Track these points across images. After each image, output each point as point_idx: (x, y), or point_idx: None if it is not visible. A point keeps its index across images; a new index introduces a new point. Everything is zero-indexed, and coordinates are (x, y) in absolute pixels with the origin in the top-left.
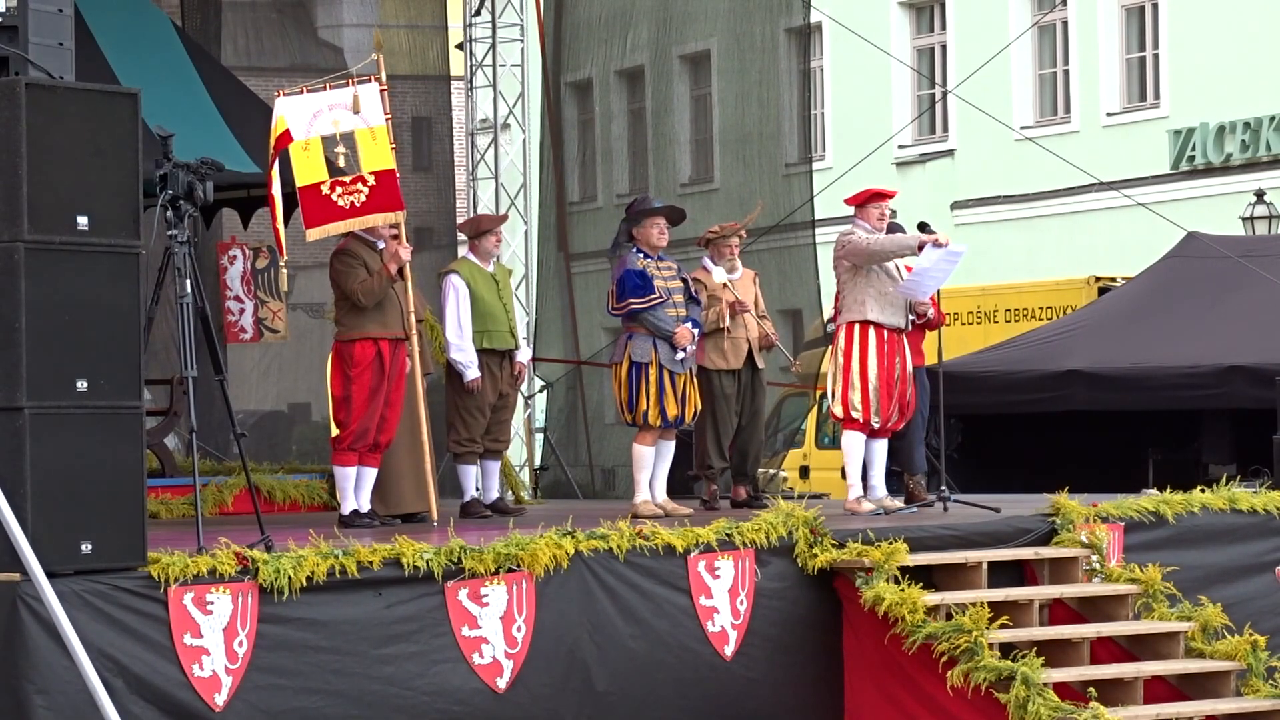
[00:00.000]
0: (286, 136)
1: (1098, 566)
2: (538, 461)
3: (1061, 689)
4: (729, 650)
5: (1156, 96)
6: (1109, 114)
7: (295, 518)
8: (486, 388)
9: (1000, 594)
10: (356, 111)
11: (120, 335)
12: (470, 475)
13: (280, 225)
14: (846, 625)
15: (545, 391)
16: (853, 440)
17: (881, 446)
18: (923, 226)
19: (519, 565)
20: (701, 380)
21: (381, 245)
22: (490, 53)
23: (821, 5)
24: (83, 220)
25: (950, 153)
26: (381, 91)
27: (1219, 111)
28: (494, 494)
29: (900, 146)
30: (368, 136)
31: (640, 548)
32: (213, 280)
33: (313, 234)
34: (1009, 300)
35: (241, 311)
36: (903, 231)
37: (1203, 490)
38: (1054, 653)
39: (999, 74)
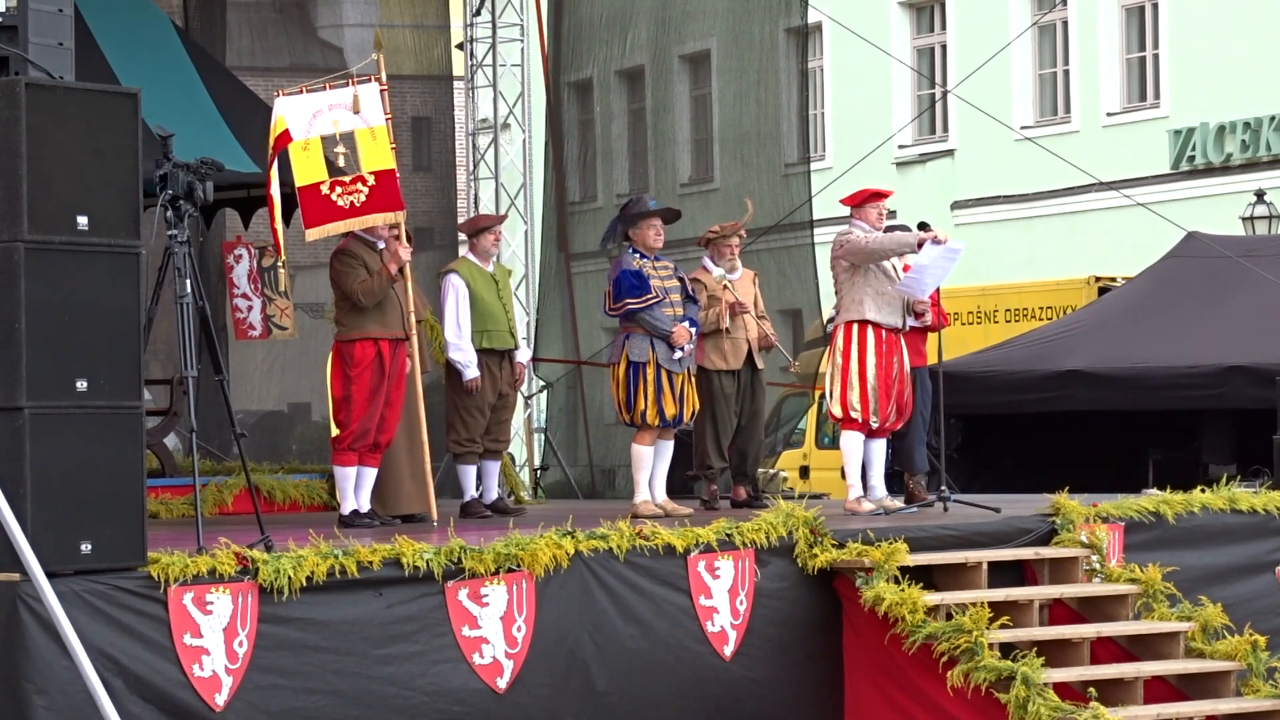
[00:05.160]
0: (286, 136)
1: (1098, 566)
2: (538, 461)
3: (1061, 689)
4: (729, 650)
5: (1156, 96)
6: (1109, 114)
7: (295, 518)
8: (486, 388)
9: (1000, 594)
10: (356, 111)
11: (120, 335)
12: (470, 475)
13: (279, 225)
14: (846, 625)
15: (545, 391)
16: (851, 440)
17: (880, 446)
18: (923, 226)
19: (519, 565)
20: (701, 380)
21: (381, 245)
22: (490, 53)
23: (821, 5)
24: (83, 220)
25: (950, 153)
26: (381, 91)
27: (1219, 111)
28: (494, 494)
29: (900, 146)
30: (367, 136)
31: (640, 548)
32: (218, 279)
33: (312, 234)
34: (1009, 300)
35: (250, 309)
36: (905, 230)
37: (1203, 490)
38: (1054, 653)
39: (999, 74)
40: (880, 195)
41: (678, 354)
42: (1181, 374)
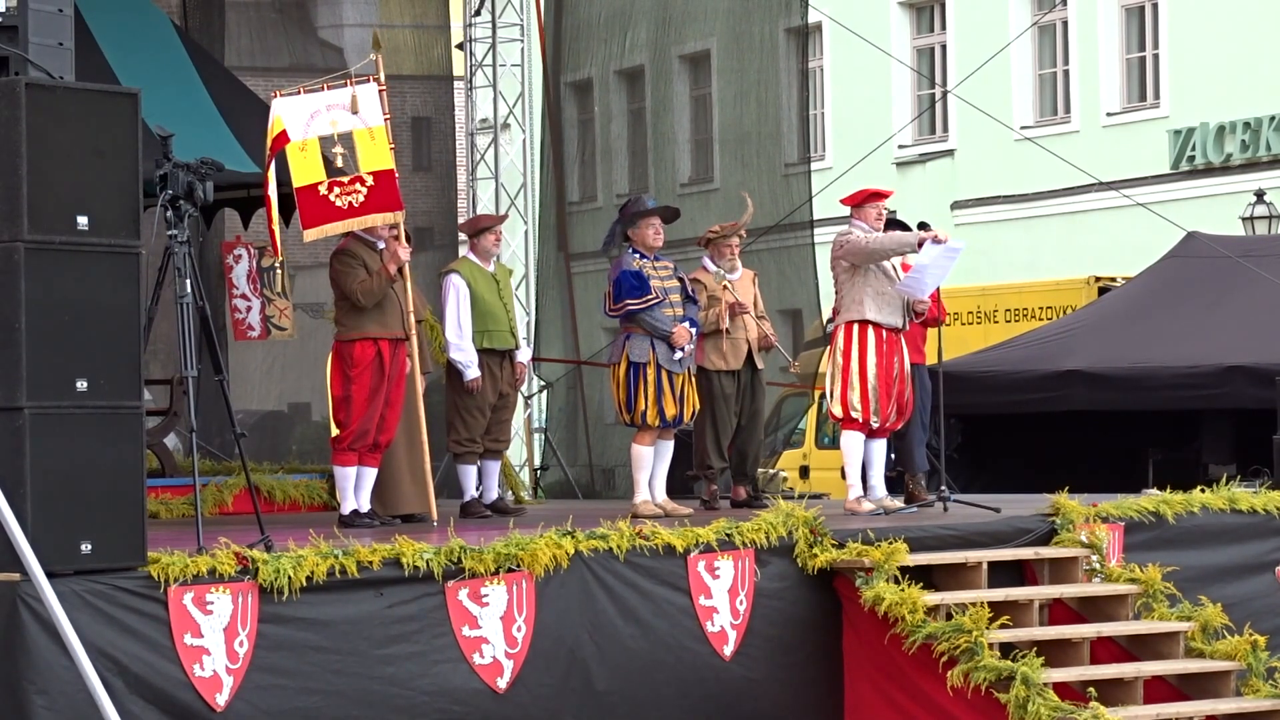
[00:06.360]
0: (283, 137)
1: (1098, 566)
2: (538, 461)
3: (1061, 689)
4: (729, 650)
5: (1156, 96)
6: (1109, 114)
7: (295, 518)
8: (486, 388)
9: (1000, 594)
10: (355, 112)
11: (120, 335)
12: (470, 475)
13: (276, 226)
14: (846, 625)
15: (545, 391)
16: (852, 440)
17: (880, 446)
18: (923, 226)
19: (519, 565)
20: (701, 381)
21: (381, 245)
22: (490, 53)
23: (821, 5)
24: (83, 220)
25: (950, 153)
26: (380, 92)
27: (1219, 111)
28: (494, 494)
29: (900, 146)
30: (366, 137)
31: (640, 548)
32: (218, 279)
33: (310, 235)
34: (1009, 300)
35: (249, 309)
36: (906, 228)
37: (1203, 490)
38: (1054, 653)
39: (999, 74)
40: (880, 195)
41: (678, 354)
42: (1181, 374)
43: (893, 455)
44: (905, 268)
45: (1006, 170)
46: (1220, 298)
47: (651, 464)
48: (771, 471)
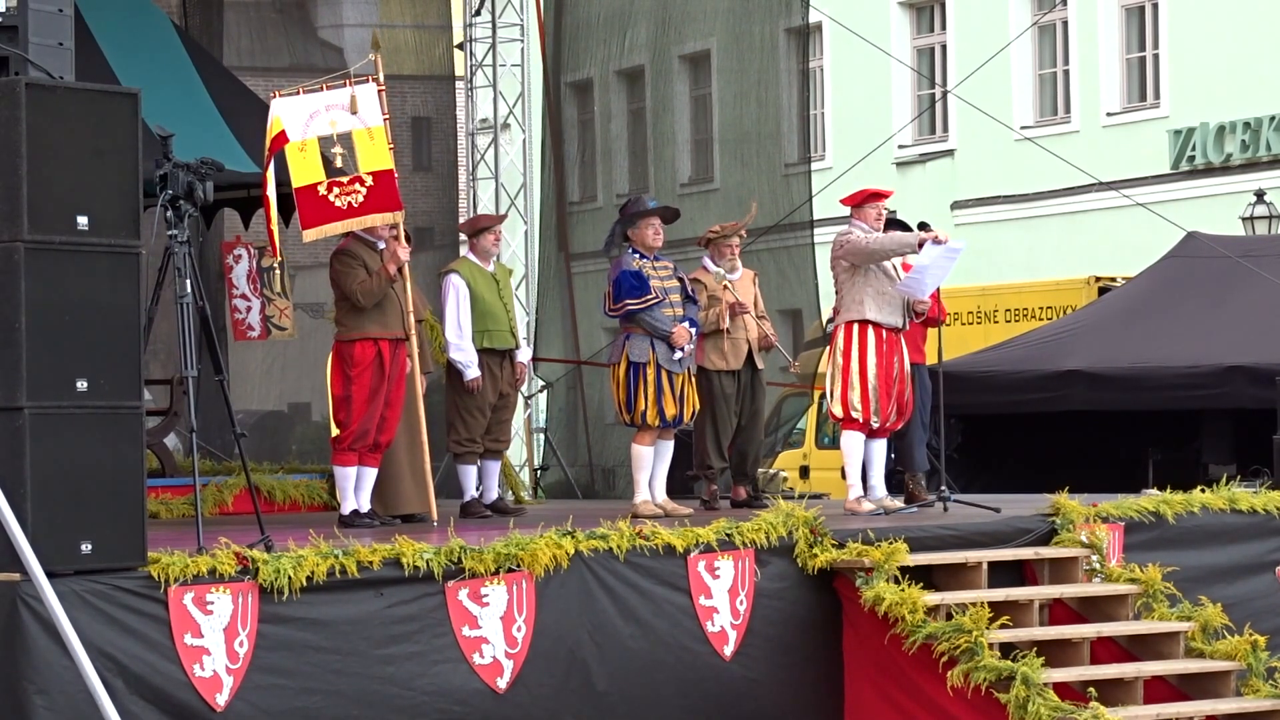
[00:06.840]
0: (282, 138)
1: (1098, 566)
2: (538, 461)
3: (1061, 689)
4: (729, 650)
5: (1156, 96)
6: (1109, 114)
7: (295, 518)
8: (486, 387)
9: (1000, 594)
10: (354, 112)
11: (120, 335)
12: (470, 475)
13: (275, 226)
14: (847, 625)
15: (545, 391)
16: (852, 440)
17: (881, 446)
18: (923, 226)
19: (519, 565)
20: (701, 381)
21: (381, 245)
22: (490, 53)
23: (821, 5)
24: (83, 220)
25: (950, 153)
26: (379, 92)
27: (1219, 111)
28: (494, 494)
29: (900, 146)
30: (365, 137)
31: (640, 548)
32: (218, 279)
33: (309, 235)
34: (1009, 300)
35: (249, 309)
36: (906, 228)
37: (1203, 490)
38: (1054, 653)
39: (999, 74)
40: (880, 195)
41: (678, 354)
42: (1181, 374)
43: (893, 455)
44: (906, 268)
45: (1006, 170)
46: (1220, 298)
47: (651, 464)
48: (771, 471)
